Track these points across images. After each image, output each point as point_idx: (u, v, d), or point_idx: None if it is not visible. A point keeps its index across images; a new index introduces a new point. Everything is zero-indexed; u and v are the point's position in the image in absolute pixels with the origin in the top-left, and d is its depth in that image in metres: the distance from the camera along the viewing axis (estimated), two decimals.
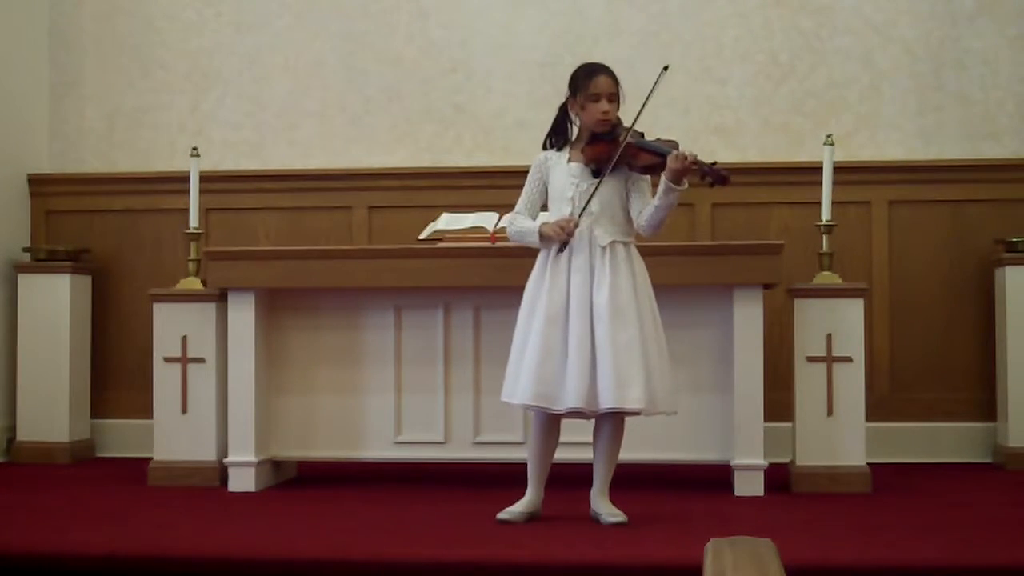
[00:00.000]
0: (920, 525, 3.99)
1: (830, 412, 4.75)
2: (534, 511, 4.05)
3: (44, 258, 5.91)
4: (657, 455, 4.72)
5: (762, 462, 4.60)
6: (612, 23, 5.96)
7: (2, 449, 5.86)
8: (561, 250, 3.95)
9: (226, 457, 4.87)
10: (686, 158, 3.82)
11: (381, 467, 5.08)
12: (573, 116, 4.08)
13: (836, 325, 4.76)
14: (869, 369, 5.10)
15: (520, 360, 3.97)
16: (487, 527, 3.92)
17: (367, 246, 5.68)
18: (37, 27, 6.24)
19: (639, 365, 3.87)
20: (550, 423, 4.05)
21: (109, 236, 6.16)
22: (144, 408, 5.42)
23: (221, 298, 4.97)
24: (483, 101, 6.03)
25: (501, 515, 4.00)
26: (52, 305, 5.83)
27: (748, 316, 4.62)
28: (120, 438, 6.02)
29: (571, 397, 3.87)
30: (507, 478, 4.51)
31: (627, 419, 4.04)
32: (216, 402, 4.99)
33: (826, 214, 4.95)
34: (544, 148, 4.14)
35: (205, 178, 5.48)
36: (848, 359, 4.74)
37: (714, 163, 3.90)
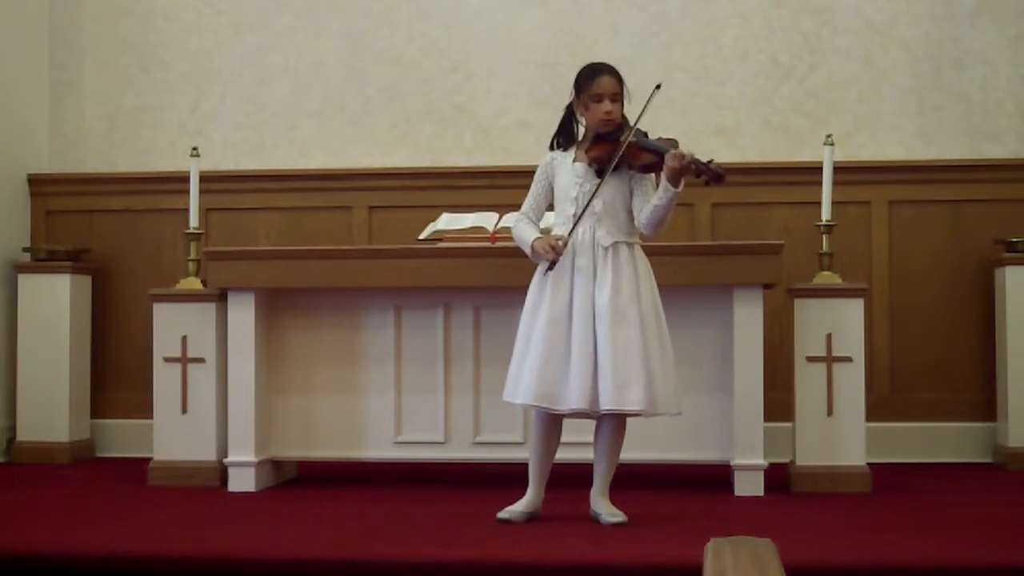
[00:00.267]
0: (920, 525, 3.99)
1: (830, 412, 4.75)
2: (534, 511, 4.05)
3: (44, 258, 5.91)
4: (657, 455, 4.72)
5: (762, 462, 4.60)
6: (612, 23, 5.96)
7: (2, 449, 5.86)
8: (550, 268, 3.95)
9: (226, 457, 4.87)
10: (683, 157, 3.82)
11: (381, 467, 5.08)
12: (579, 116, 4.09)
13: (836, 325, 4.76)
14: (869, 369, 5.10)
15: (523, 360, 3.98)
16: (487, 527, 3.92)
17: (367, 246, 5.68)
18: (37, 27, 6.24)
19: (639, 366, 3.87)
20: (551, 423, 4.05)
21: (109, 236, 6.16)
22: (144, 408, 5.42)
23: (221, 298, 4.97)
24: (483, 101, 6.03)
25: (501, 514, 4.01)
26: (52, 305, 5.83)
27: (748, 316, 4.62)
28: (120, 438, 6.02)
29: (573, 398, 3.88)
30: (507, 478, 4.51)
31: (629, 419, 4.05)
32: (216, 402, 4.99)
33: (826, 214, 4.95)
34: (551, 148, 4.14)
35: (205, 178, 5.48)
36: (848, 359, 4.75)
37: (710, 161, 3.90)
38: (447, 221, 4.98)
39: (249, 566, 3.48)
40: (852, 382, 4.75)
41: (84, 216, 6.17)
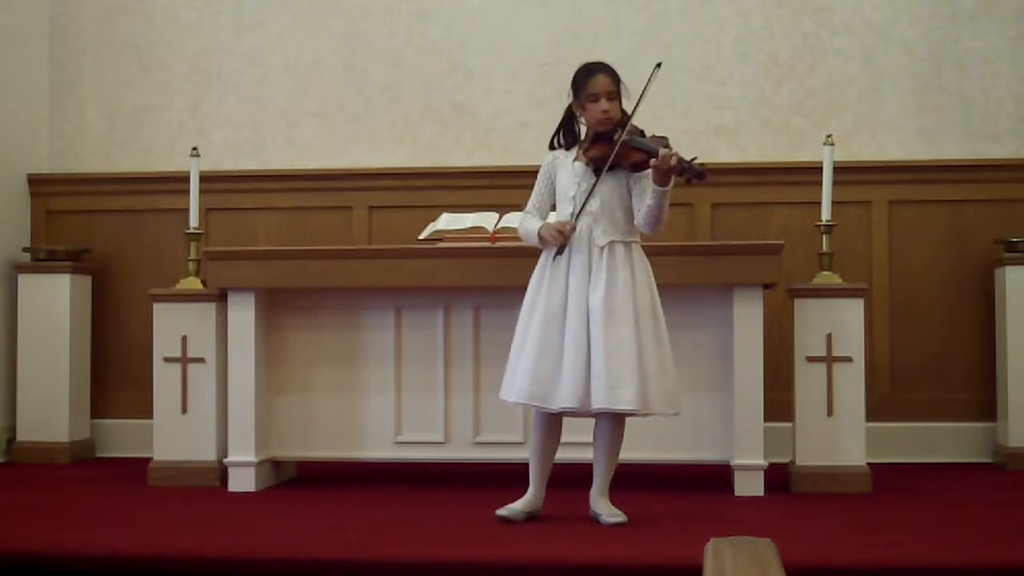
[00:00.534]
0: (920, 525, 3.99)
1: (830, 412, 4.75)
2: (534, 510, 4.06)
3: (44, 258, 5.91)
4: (657, 455, 4.72)
5: (762, 462, 4.60)
6: (612, 23, 5.96)
7: (2, 449, 5.86)
8: (559, 253, 3.96)
9: (226, 457, 4.87)
10: (667, 158, 3.81)
11: (381, 467, 5.08)
12: (579, 117, 4.09)
13: (836, 325, 4.76)
14: (869, 369, 5.10)
15: (519, 358, 3.99)
16: (487, 527, 3.92)
17: (367, 246, 5.68)
18: (37, 27, 6.24)
19: (632, 366, 3.87)
20: (551, 422, 4.06)
21: (109, 236, 6.16)
22: (144, 408, 5.42)
23: (221, 298, 4.97)
24: (483, 101, 6.03)
25: (500, 511, 4.01)
26: (52, 305, 5.83)
27: (748, 316, 4.62)
28: (120, 438, 6.02)
29: (565, 396, 3.88)
30: (507, 478, 4.51)
31: (629, 419, 4.05)
32: (216, 402, 4.99)
33: (826, 214, 4.95)
34: (551, 148, 4.15)
35: (205, 178, 5.48)
36: (848, 359, 4.74)
37: (694, 159, 3.87)
38: (447, 221, 4.98)
39: (249, 566, 3.48)
40: (852, 382, 4.75)
41: (84, 216, 6.17)
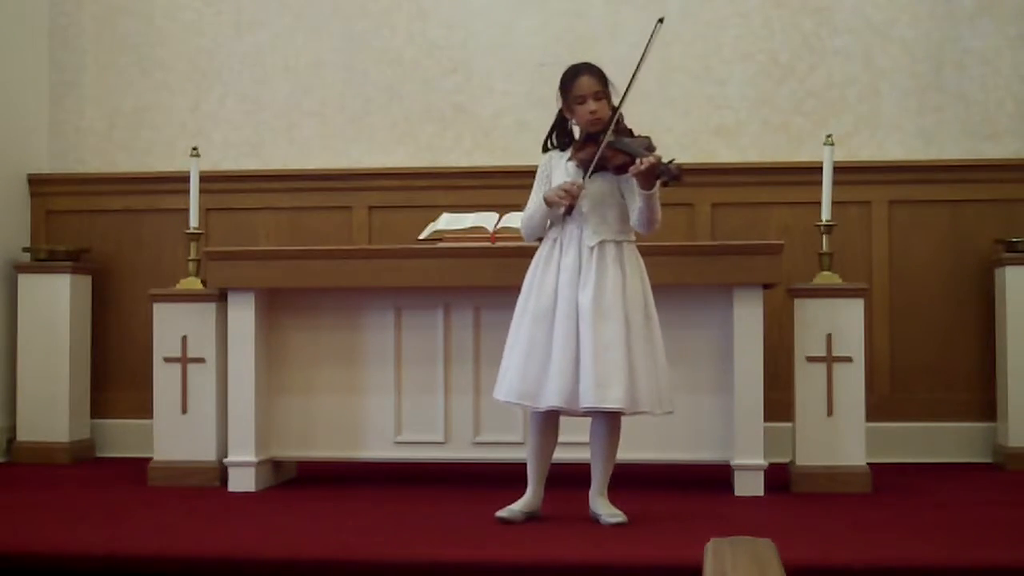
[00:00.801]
0: (920, 525, 3.99)
1: (830, 412, 4.75)
2: (533, 511, 4.06)
3: (44, 258, 5.91)
4: (657, 455, 4.72)
5: (762, 462, 4.60)
6: (612, 23, 5.96)
7: (2, 449, 5.86)
8: (568, 212, 3.94)
9: (226, 457, 4.87)
10: (647, 163, 3.81)
11: (381, 467, 5.07)
12: (569, 119, 4.10)
13: (836, 325, 4.76)
14: (869, 369, 5.10)
15: (510, 358, 4.00)
16: (487, 527, 3.92)
17: (367, 246, 5.67)
18: (37, 27, 6.24)
19: (620, 365, 3.86)
20: (546, 422, 4.06)
21: (109, 236, 6.16)
22: (144, 408, 5.42)
23: (221, 298, 4.97)
24: (483, 101, 6.03)
25: (500, 513, 4.01)
26: (52, 305, 5.83)
27: (748, 316, 4.62)
28: (120, 438, 6.02)
29: (553, 395, 3.88)
30: (507, 478, 4.50)
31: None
32: (216, 402, 4.98)
33: (826, 214, 4.94)
34: (544, 150, 4.16)
35: (205, 178, 5.48)
36: (848, 359, 4.74)
37: (671, 161, 3.86)
38: (447, 221, 4.98)
39: (249, 566, 3.48)
40: (852, 382, 4.75)
41: (84, 216, 6.17)
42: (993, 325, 5.61)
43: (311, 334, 4.95)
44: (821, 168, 4.96)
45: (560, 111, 4.12)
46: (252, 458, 4.82)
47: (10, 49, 6.06)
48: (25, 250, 6.02)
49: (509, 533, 3.83)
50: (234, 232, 6.00)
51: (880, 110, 5.85)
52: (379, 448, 4.92)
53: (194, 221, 5.30)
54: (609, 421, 4.01)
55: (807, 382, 4.76)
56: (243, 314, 4.85)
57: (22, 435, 5.83)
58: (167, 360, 5.03)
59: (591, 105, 3.99)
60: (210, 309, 5.01)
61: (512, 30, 6.04)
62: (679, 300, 4.63)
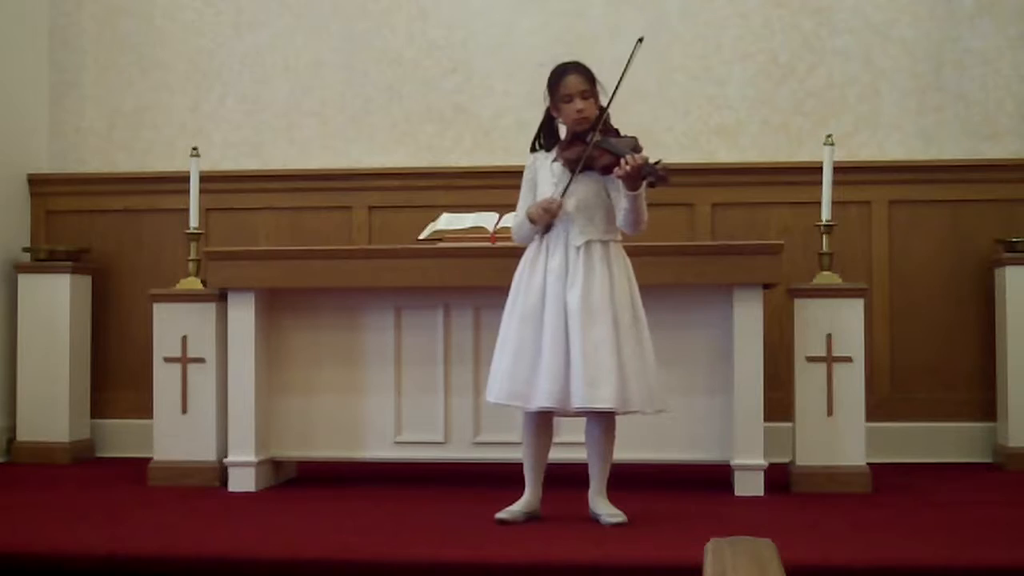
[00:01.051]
0: (920, 525, 3.99)
1: (830, 412, 4.75)
2: (533, 511, 4.06)
3: (44, 258, 5.91)
4: (657, 455, 4.72)
5: (762, 462, 4.60)
6: (612, 23, 5.96)
7: (2, 449, 5.86)
8: (547, 230, 3.96)
9: (226, 457, 4.87)
10: (632, 164, 3.80)
11: (381, 467, 5.07)
12: (556, 118, 4.09)
13: (836, 325, 4.76)
14: (869, 369, 5.10)
15: (500, 359, 3.99)
16: (487, 527, 3.92)
17: (367, 246, 5.67)
18: (37, 27, 6.24)
19: (610, 364, 3.86)
20: (539, 422, 4.06)
21: (109, 236, 6.16)
22: (144, 408, 5.41)
23: (221, 298, 4.97)
24: (483, 101, 6.03)
25: (500, 515, 4.00)
26: (52, 305, 5.83)
27: (748, 316, 4.61)
28: (120, 438, 6.02)
29: (543, 396, 3.88)
30: (507, 478, 4.50)
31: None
32: (216, 402, 4.98)
33: (826, 214, 4.94)
34: (532, 150, 4.16)
35: (205, 178, 5.48)
36: (848, 359, 4.74)
37: (658, 162, 3.84)
38: (447, 221, 4.98)
39: (249, 566, 3.48)
40: (852, 382, 4.75)
41: (84, 216, 6.17)
42: (993, 325, 5.61)
43: (311, 334, 4.95)
44: (821, 168, 4.96)
45: (547, 110, 4.11)
46: (252, 458, 4.82)
47: (10, 49, 6.06)
48: (25, 250, 6.02)
49: (509, 533, 3.83)
50: (234, 232, 6.00)
51: (880, 110, 5.85)
52: (379, 448, 4.92)
53: (194, 221, 5.29)
54: (603, 421, 4.01)
55: (807, 382, 4.76)
56: (243, 314, 4.85)
57: (22, 435, 5.83)
58: (167, 360, 5.03)
59: (578, 104, 3.98)
60: (210, 309, 5.01)
61: (512, 30, 6.04)
62: (679, 300, 4.63)
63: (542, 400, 3.89)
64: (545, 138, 4.14)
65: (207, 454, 4.98)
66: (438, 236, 4.92)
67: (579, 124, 3.99)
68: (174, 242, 5.97)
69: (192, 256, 5.29)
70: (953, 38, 5.83)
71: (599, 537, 3.74)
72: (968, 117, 5.80)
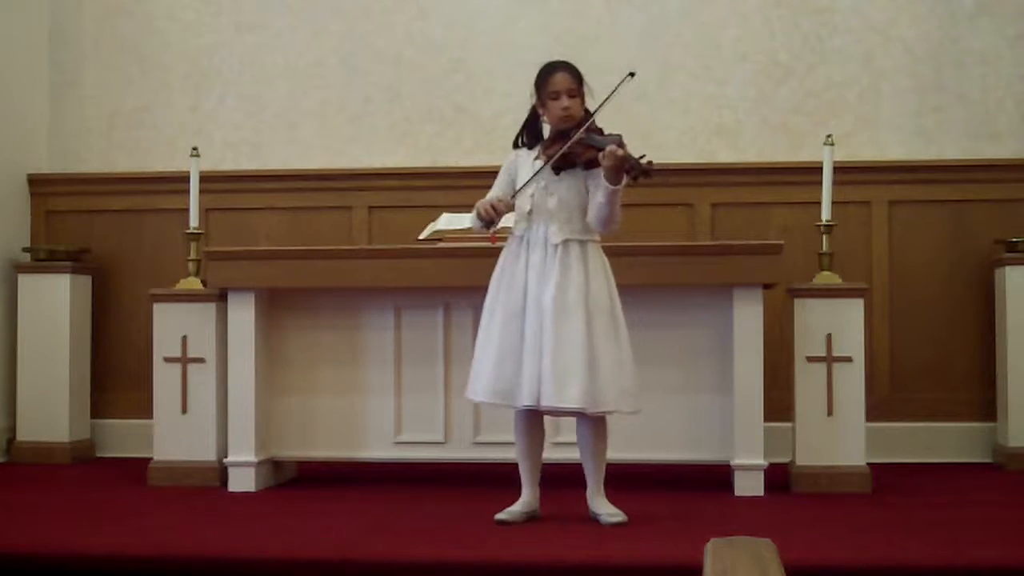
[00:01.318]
0: (920, 525, 3.99)
1: (830, 412, 4.75)
2: (532, 511, 4.05)
3: (44, 258, 5.91)
4: (656, 455, 4.72)
5: (762, 462, 4.60)
6: (612, 23, 5.96)
7: (2, 449, 5.86)
8: (487, 226, 3.97)
9: (226, 457, 4.87)
10: (615, 155, 3.78)
11: (381, 467, 5.07)
12: (542, 115, 4.09)
13: (836, 325, 4.76)
14: (869, 369, 5.09)
15: (483, 358, 3.99)
16: (487, 527, 3.92)
17: (367, 246, 5.67)
18: (37, 27, 6.24)
19: (580, 363, 3.84)
20: (529, 422, 4.05)
21: (109, 236, 6.16)
22: (144, 408, 5.41)
23: (221, 298, 4.97)
24: (483, 101, 6.03)
25: (499, 516, 4.00)
26: (52, 305, 5.83)
27: (748, 316, 4.61)
28: (120, 438, 6.02)
29: (524, 396, 3.88)
30: (507, 478, 4.50)
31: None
32: (216, 402, 4.98)
33: (826, 214, 4.95)
34: (515, 146, 4.15)
35: (205, 178, 5.48)
36: (848, 359, 4.74)
37: (642, 156, 3.82)
38: (447, 221, 4.98)
39: (249, 566, 3.48)
40: (852, 382, 4.75)
41: (84, 216, 6.17)
42: (993, 325, 5.61)
43: (311, 334, 4.95)
44: (821, 168, 4.96)
45: (533, 107, 4.11)
46: (252, 458, 4.82)
47: (10, 49, 6.06)
48: (25, 250, 6.02)
49: (509, 533, 3.83)
50: (234, 232, 6.00)
51: (880, 110, 5.85)
52: (379, 448, 4.92)
53: (194, 221, 5.30)
54: (592, 421, 4.00)
55: (807, 382, 4.76)
56: (243, 314, 4.85)
57: (22, 435, 5.83)
58: (167, 360, 5.03)
59: (564, 101, 3.98)
60: (210, 309, 5.01)
61: (512, 30, 6.04)
62: (679, 300, 4.63)
63: (526, 399, 3.89)
64: (528, 136, 4.13)
65: (207, 454, 4.98)
66: (438, 236, 4.92)
67: (564, 122, 3.99)
68: (174, 242, 5.97)
69: (192, 256, 5.29)
70: (953, 38, 5.83)
71: (599, 537, 3.74)
72: (968, 117, 5.80)
